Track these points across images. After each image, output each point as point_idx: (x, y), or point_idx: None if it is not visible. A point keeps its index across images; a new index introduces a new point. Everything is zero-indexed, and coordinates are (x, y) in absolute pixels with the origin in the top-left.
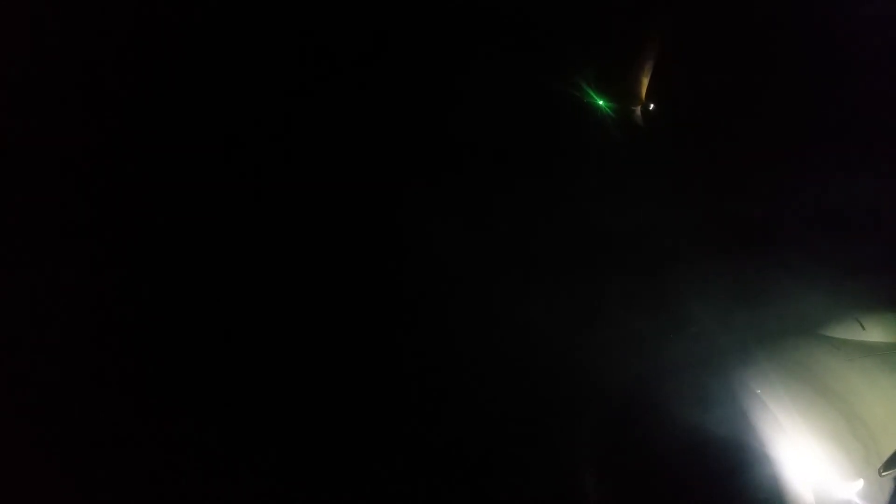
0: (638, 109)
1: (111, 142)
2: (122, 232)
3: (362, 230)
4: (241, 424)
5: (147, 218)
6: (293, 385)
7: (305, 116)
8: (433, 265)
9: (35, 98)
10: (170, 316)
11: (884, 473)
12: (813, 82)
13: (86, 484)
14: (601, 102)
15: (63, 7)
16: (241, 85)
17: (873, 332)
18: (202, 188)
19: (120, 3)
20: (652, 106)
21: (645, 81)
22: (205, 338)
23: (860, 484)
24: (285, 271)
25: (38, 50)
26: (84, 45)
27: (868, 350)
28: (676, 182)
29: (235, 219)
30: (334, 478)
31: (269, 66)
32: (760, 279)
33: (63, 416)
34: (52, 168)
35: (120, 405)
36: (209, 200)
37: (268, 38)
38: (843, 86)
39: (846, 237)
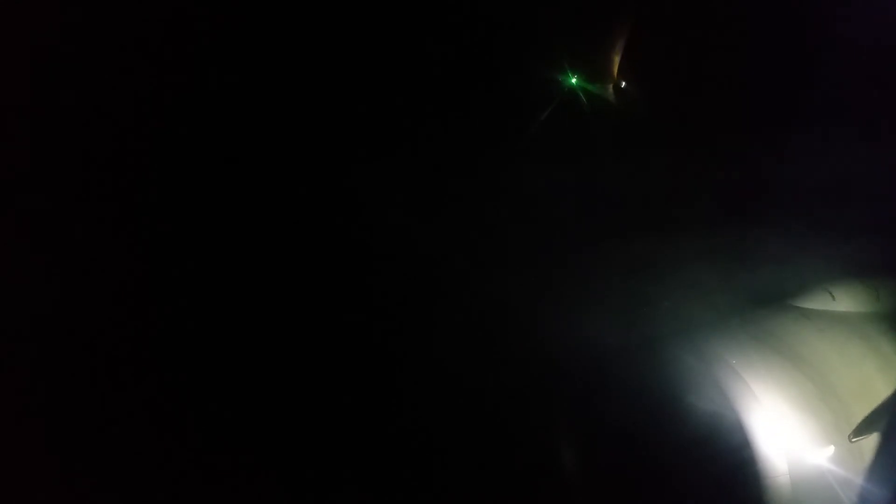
0: (611, 87)
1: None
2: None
3: (324, 210)
4: (231, 425)
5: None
6: (273, 383)
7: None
8: (399, 246)
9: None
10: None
11: (854, 440)
12: (784, 58)
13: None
14: (574, 80)
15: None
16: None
17: (843, 302)
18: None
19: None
20: (624, 84)
21: (617, 59)
22: (184, 344)
23: (831, 450)
24: (258, 272)
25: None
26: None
27: (838, 320)
28: (647, 156)
29: (211, 221)
30: (316, 474)
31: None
32: (732, 252)
33: (60, 416)
34: (50, 167)
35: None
36: (179, 203)
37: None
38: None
39: (815, 210)
